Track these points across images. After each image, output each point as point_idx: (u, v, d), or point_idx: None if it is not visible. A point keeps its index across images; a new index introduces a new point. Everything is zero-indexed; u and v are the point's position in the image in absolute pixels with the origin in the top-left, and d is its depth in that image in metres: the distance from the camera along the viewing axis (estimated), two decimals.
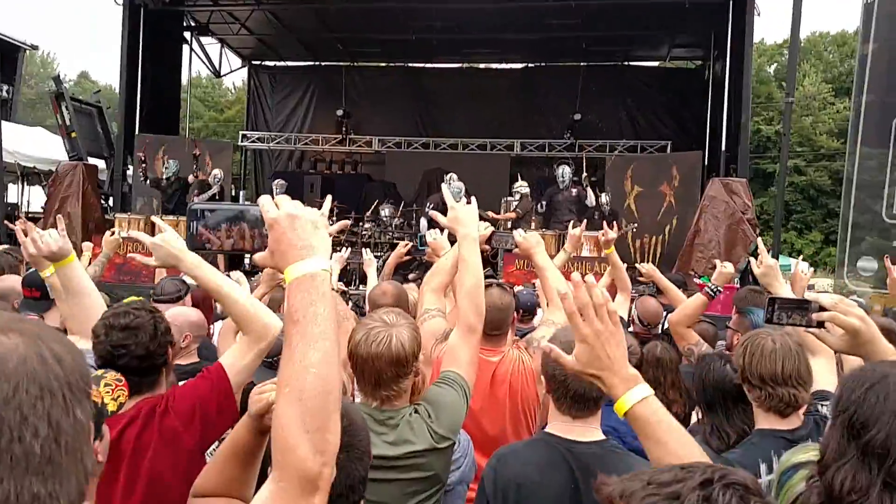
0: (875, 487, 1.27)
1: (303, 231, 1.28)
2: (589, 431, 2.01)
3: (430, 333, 2.74)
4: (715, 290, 3.99)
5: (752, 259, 4.22)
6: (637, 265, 5.21)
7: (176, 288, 4.11)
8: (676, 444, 1.41)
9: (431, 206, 11.22)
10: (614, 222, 5.58)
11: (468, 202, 2.60)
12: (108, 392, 1.83)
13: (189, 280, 5.14)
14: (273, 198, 1.32)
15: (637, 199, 12.45)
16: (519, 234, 3.02)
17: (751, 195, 10.63)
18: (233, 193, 14.89)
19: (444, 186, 2.72)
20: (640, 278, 5.55)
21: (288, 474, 1.16)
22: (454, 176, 11.48)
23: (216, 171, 11.93)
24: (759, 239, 3.13)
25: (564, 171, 11.29)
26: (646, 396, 1.43)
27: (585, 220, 5.49)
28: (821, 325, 1.81)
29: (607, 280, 4.84)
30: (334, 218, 12.59)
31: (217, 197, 11.48)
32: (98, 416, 1.64)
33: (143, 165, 11.64)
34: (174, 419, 2.04)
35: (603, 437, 2.05)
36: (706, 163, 12.52)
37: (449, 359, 2.31)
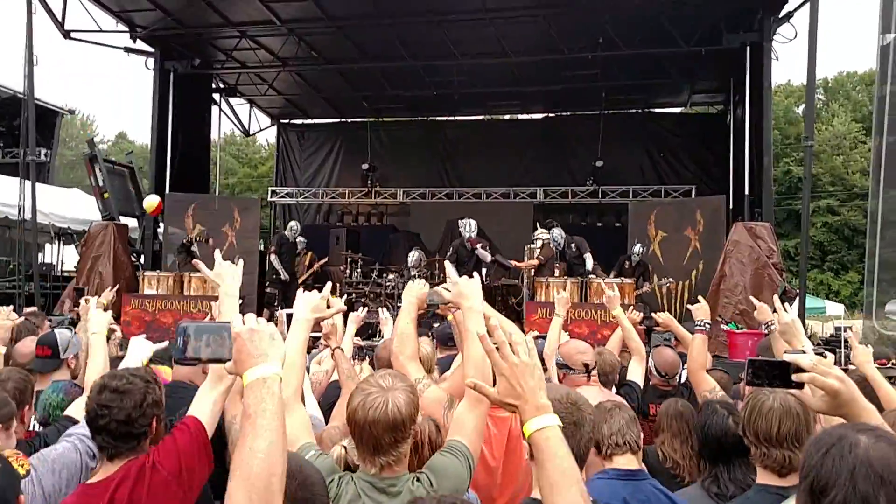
0: None
1: (260, 342, 1.57)
2: None
3: (437, 402, 2.73)
4: (703, 324, 4.01)
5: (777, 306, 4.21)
6: (654, 315, 5.18)
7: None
8: (553, 471, 1.52)
9: (450, 254, 11.21)
10: (645, 284, 5.58)
11: (472, 268, 2.68)
12: (14, 459, 1.92)
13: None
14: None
15: (662, 244, 12.39)
16: (449, 283, 2.83)
17: (776, 239, 10.51)
18: (261, 248, 15.14)
19: (447, 263, 2.75)
20: (657, 328, 5.52)
21: None
22: (470, 222, 11.24)
23: (199, 228, 12.29)
24: (776, 297, 3.07)
25: (554, 235, 11.07)
26: (546, 426, 1.56)
27: (570, 284, 5.50)
28: (800, 386, 1.82)
29: (618, 336, 4.78)
30: (358, 271, 12.76)
31: (190, 245, 11.60)
32: (16, 475, 1.76)
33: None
34: (163, 474, 2.08)
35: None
36: (730, 207, 12.43)
37: (455, 427, 2.30)
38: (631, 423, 2.70)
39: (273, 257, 12.93)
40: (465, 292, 2.53)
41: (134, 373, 2.34)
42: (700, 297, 4.18)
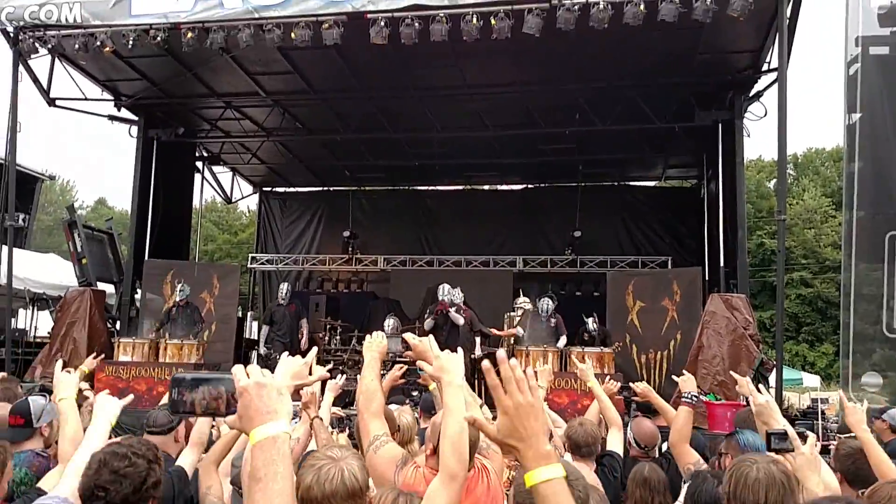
0: None
1: (268, 398, 1.45)
2: None
3: (390, 460, 2.71)
4: (690, 396, 4.02)
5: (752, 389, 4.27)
6: (632, 385, 5.20)
7: (168, 419, 4.09)
8: None
9: (427, 317, 11.24)
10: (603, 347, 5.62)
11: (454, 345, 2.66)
12: None
13: None
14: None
15: (640, 314, 12.46)
16: (411, 336, 2.79)
17: (751, 311, 10.63)
18: (239, 314, 15.01)
19: (431, 339, 2.74)
20: (635, 398, 5.53)
21: None
22: (448, 288, 11.40)
23: (179, 286, 11.91)
24: (748, 378, 3.07)
25: (547, 305, 11.24)
26: (553, 478, 1.44)
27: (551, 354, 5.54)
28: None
29: (595, 410, 4.79)
30: (337, 338, 12.66)
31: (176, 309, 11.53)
32: None
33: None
34: None
35: None
36: (707, 278, 12.63)
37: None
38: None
39: (265, 330, 12.57)
40: (447, 367, 2.47)
41: (137, 451, 2.26)
42: (685, 371, 4.21)
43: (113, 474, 2.15)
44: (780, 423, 2.76)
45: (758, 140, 43.28)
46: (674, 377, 4.25)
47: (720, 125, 11.76)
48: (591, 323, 11.68)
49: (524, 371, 1.50)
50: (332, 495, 1.98)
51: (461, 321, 10.77)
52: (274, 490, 1.36)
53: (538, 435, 1.47)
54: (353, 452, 2.18)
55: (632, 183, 17.57)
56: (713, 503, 2.78)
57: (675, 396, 5.88)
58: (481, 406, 3.37)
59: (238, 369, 1.50)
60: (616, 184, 17.25)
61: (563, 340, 10.96)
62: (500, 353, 1.51)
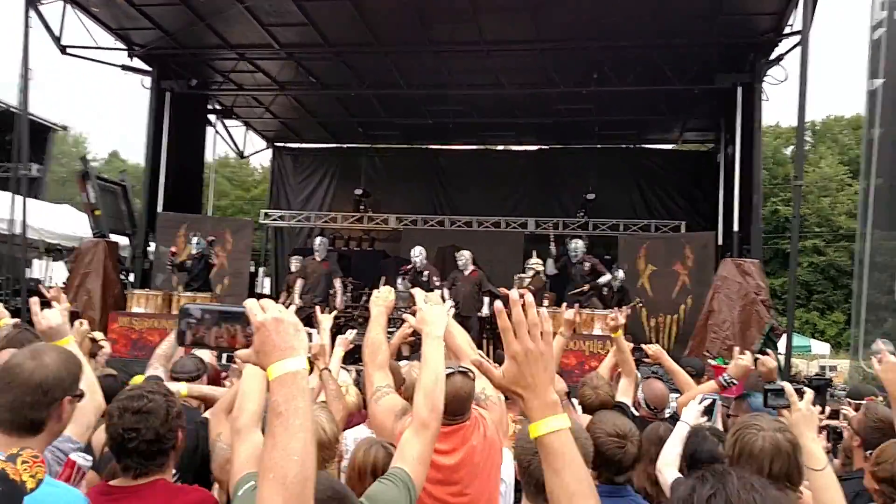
0: None
1: (286, 333, 1.41)
2: None
3: (388, 410, 2.75)
4: (729, 381, 3.97)
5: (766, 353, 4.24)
6: (644, 346, 5.18)
7: (195, 366, 4.11)
8: (571, 479, 1.38)
9: (448, 281, 11.41)
10: (624, 307, 5.60)
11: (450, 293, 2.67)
12: (25, 469, 1.80)
13: (207, 359, 5.18)
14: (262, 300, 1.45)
15: (651, 277, 12.45)
16: (419, 294, 2.76)
17: (764, 276, 10.60)
18: (252, 270, 15.09)
19: (417, 291, 2.75)
20: (646, 359, 5.53)
21: None
22: (465, 253, 11.73)
23: (193, 239, 11.81)
24: (789, 386, 2.90)
25: (577, 245, 11.40)
26: (560, 429, 1.40)
27: (578, 304, 5.52)
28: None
29: (611, 361, 4.81)
30: (347, 295, 12.72)
31: (199, 261, 11.51)
32: (18, 493, 1.63)
33: (172, 258, 11.66)
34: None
35: None
36: (720, 243, 12.55)
37: (398, 454, 2.26)
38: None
39: (299, 283, 12.13)
40: (427, 318, 2.52)
41: (150, 389, 2.29)
42: (743, 354, 4.09)
43: (136, 414, 2.17)
44: (813, 438, 2.61)
45: (776, 106, 42.69)
46: (736, 351, 4.16)
47: (740, 88, 11.57)
48: (621, 272, 11.64)
49: (538, 312, 1.42)
50: None
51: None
52: (295, 425, 1.34)
53: (545, 384, 1.41)
54: (322, 406, 2.19)
55: (648, 146, 17.40)
56: (711, 461, 2.75)
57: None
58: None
59: (252, 303, 1.45)
60: (632, 146, 17.07)
61: (605, 277, 11.14)
62: (513, 293, 1.44)
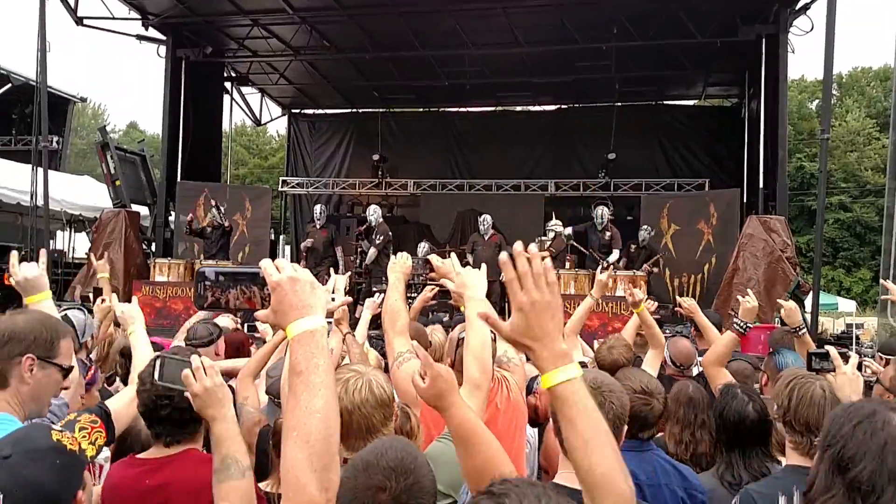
0: None
1: (302, 292, 1.42)
2: None
3: (411, 375, 2.74)
4: (744, 325, 3.90)
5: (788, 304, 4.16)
6: (679, 299, 5.09)
7: (208, 332, 4.11)
8: (586, 427, 1.36)
9: (468, 246, 11.41)
10: (646, 263, 5.51)
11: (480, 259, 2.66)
12: (84, 437, 1.78)
13: (222, 324, 5.20)
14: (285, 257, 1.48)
15: (674, 237, 12.31)
16: (437, 258, 2.81)
17: (790, 233, 10.43)
18: (272, 237, 15.14)
19: (453, 257, 2.74)
20: (679, 309, 5.40)
21: None
22: (487, 217, 11.72)
23: (213, 209, 11.85)
24: (834, 350, 2.77)
25: (603, 213, 11.27)
26: (572, 378, 1.37)
27: (612, 267, 5.45)
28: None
29: (632, 328, 4.73)
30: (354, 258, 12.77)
31: (221, 230, 11.58)
32: (78, 463, 1.62)
33: (191, 223, 11.69)
34: None
35: None
36: (745, 200, 12.35)
37: None
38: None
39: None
40: (468, 282, 2.52)
41: (186, 358, 2.26)
42: (748, 294, 4.05)
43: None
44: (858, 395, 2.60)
45: (801, 58, 41.66)
46: (739, 297, 4.11)
47: (764, 40, 11.25)
48: (644, 232, 11.52)
49: (542, 261, 1.39)
50: (361, 404, 2.01)
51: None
52: (316, 382, 1.35)
53: (553, 334, 1.38)
54: (377, 367, 2.25)
55: (670, 102, 17.06)
56: (741, 420, 2.70)
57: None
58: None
59: (268, 263, 1.45)
60: (653, 103, 16.74)
61: (614, 254, 10.97)
62: (517, 245, 1.41)
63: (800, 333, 4.11)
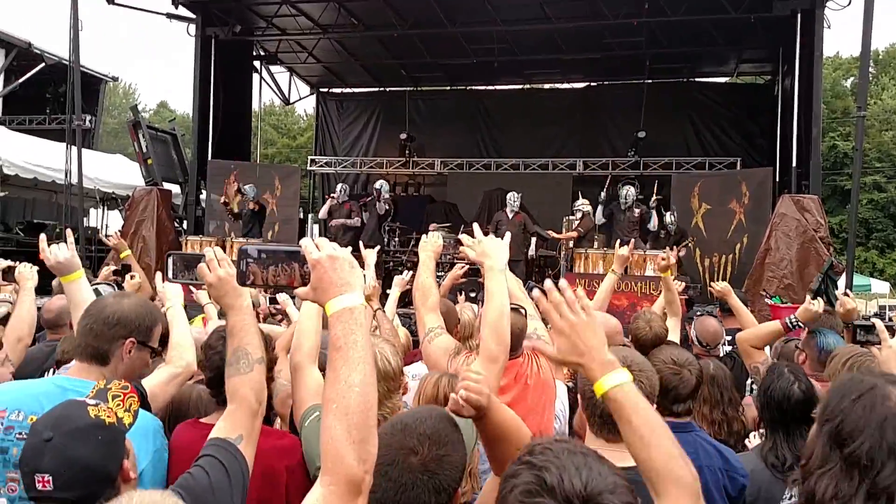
0: (858, 497, 1.30)
1: (342, 270, 1.47)
2: (625, 456, 1.96)
3: (443, 350, 2.81)
4: (795, 323, 3.87)
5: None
6: (711, 284, 5.08)
7: None
8: (640, 424, 1.48)
9: (490, 225, 11.39)
10: (676, 246, 5.48)
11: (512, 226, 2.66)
12: (118, 405, 1.81)
13: (260, 303, 5.24)
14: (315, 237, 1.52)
15: (705, 216, 12.17)
16: (467, 238, 2.74)
17: (824, 212, 10.25)
18: (301, 216, 15.23)
19: (475, 224, 2.72)
20: (712, 288, 5.35)
21: (337, 479, 1.33)
22: (516, 195, 11.69)
23: (247, 187, 12.13)
24: (880, 322, 2.69)
25: (629, 193, 11.20)
26: (622, 382, 1.51)
27: (633, 241, 5.44)
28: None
29: (662, 303, 4.72)
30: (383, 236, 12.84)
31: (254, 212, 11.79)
32: (119, 435, 1.67)
33: (225, 206, 12.19)
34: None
35: None
36: (777, 179, 12.16)
37: None
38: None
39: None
40: (489, 252, 2.50)
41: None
42: (818, 300, 3.97)
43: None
44: None
45: (835, 35, 40.62)
46: (808, 297, 4.05)
47: (799, 15, 10.98)
48: (670, 216, 11.42)
49: (574, 291, 1.57)
50: None
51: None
52: (354, 357, 1.40)
53: (597, 347, 1.53)
54: (387, 340, 2.25)
55: (701, 79, 16.76)
56: (786, 399, 2.68)
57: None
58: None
59: (308, 242, 1.51)
60: (685, 80, 16.44)
61: (654, 221, 11.00)
62: (548, 283, 1.60)
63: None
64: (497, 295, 2.40)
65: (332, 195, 13.12)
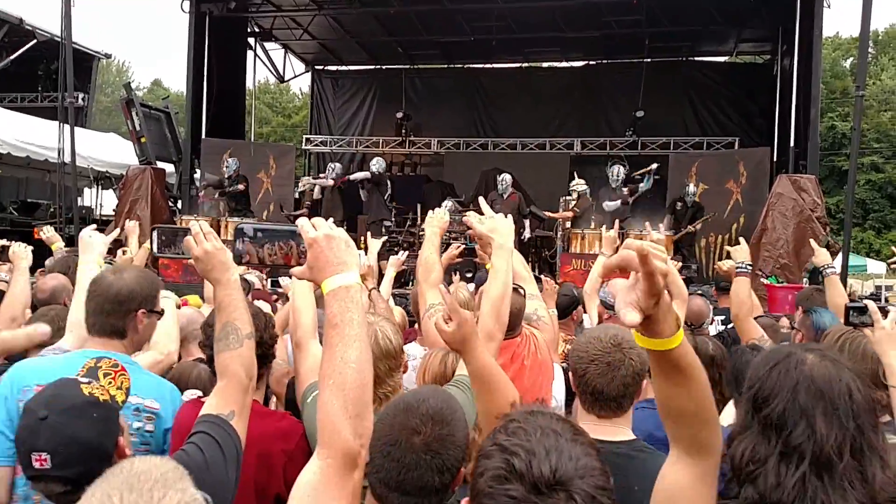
0: (772, 457, 1.35)
1: (338, 249, 1.49)
2: (617, 431, 1.99)
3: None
4: (745, 266, 3.92)
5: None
6: (718, 263, 5.06)
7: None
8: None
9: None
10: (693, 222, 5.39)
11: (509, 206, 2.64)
12: (110, 383, 1.82)
13: (250, 278, 5.22)
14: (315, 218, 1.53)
15: (703, 196, 12.13)
16: (473, 215, 2.71)
17: (821, 193, 10.24)
18: (296, 196, 15.17)
19: (480, 199, 2.69)
20: (719, 267, 5.30)
21: (334, 452, 1.37)
22: (507, 176, 11.61)
23: (230, 161, 12.14)
24: (872, 304, 2.64)
25: (618, 171, 11.11)
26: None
27: (618, 222, 5.43)
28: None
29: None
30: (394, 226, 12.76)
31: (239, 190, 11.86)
32: (113, 412, 1.68)
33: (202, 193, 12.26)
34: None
35: (632, 437, 2.01)
36: (775, 159, 12.12)
37: (463, 364, 2.28)
38: None
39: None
40: (498, 228, 2.49)
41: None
42: (741, 239, 4.05)
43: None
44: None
45: (835, 15, 40.35)
46: (727, 248, 4.11)
47: None
48: (692, 186, 11.36)
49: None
50: None
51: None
52: (350, 335, 1.42)
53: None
54: (387, 318, 2.28)
55: (700, 59, 16.66)
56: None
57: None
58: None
59: (304, 221, 1.52)
60: (684, 60, 16.35)
61: (648, 182, 11.02)
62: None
63: (826, 272, 4.13)
64: (502, 273, 2.40)
65: (321, 175, 13.10)
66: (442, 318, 1.84)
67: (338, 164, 13.59)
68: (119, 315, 2.33)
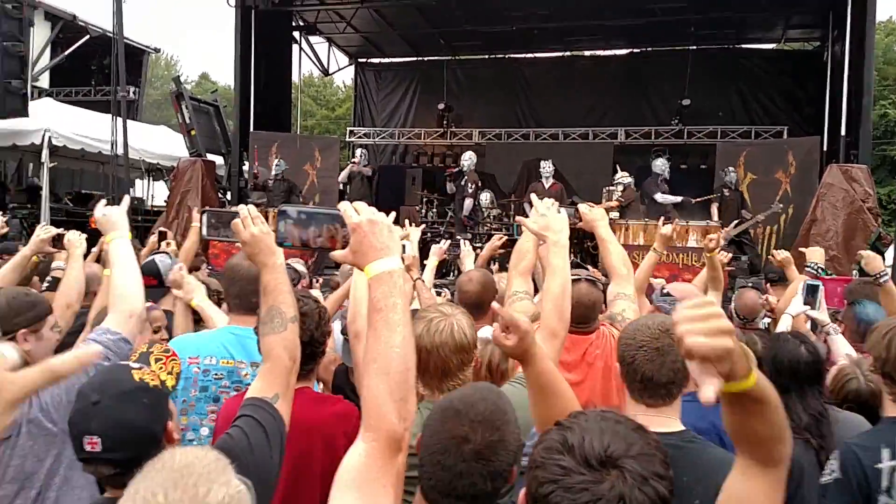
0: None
1: (381, 234, 1.49)
2: (666, 422, 1.94)
3: (521, 314, 2.79)
4: (816, 268, 3.85)
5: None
6: (773, 252, 5.00)
7: (290, 276, 4.23)
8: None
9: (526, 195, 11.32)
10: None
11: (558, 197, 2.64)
12: (161, 368, 1.87)
13: (300, 269, 5.34)
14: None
15: (750, 186, 11.93)
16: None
17: (872, 183, 10.00)
18: (340, 188, 15.34)
19: (533, 196, 2.70)
20: (773, 257, 5.25)
21: (379, 435, 1.38)
22: (549, 163, 11.54)
23: (275, 161, 12.22)
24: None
25: (663, 164, 11.00)
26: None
27: (675, 219, 5.36)
28: None
29: (703, 280, 4.67)
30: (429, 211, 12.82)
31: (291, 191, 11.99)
32: (163, 397, 1.74)
33: (256, 177, 12.38)
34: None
35: (681, 427, 1.96)
36: (825, 149, 11.85)
37: None
38: None
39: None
40: (553, 225, 2.46)
41: (303, 294, 2.42)
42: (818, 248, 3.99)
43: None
44: None
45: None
46: (801, 249, 4.05)
47: None
48: (732, 172, 11.22)
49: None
50: (441, 345, 2.08)
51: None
52: (394, 319, 1.43)
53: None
54: (463, 311, 2.24)
55: (748, 46, 16.32)
56: (795, 360, 2.69)
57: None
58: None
59: (347, 206, 1.52)
60: (730, 47, 16.02)
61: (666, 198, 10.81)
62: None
63: (881, 281, 3.98)
64: (560, 270, 2.37)
65: (353, 160, 13.16)
66: (500, 331, 1.78)
67: (364, 150, 13.73)
68: (256, 292, 2.21)
